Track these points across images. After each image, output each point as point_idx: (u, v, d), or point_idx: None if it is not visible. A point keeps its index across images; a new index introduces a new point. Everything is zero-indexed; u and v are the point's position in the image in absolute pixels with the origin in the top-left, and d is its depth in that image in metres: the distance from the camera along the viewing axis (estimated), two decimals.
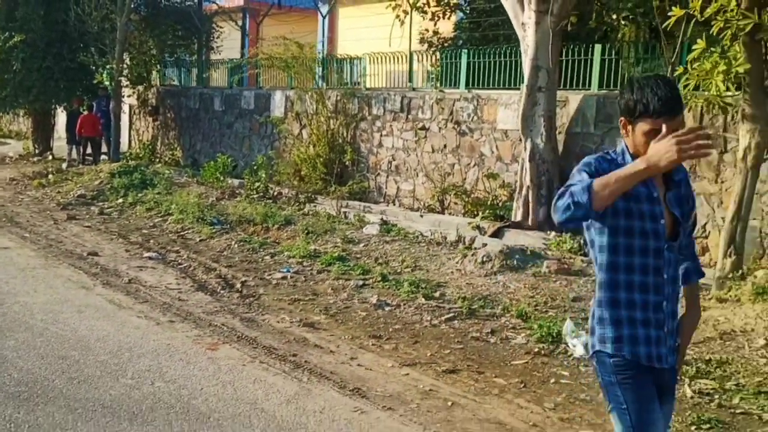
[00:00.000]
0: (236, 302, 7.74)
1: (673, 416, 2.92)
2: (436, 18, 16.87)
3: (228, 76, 19.71)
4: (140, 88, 21.53)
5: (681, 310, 3.04)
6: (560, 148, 11.56)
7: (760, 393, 5.36)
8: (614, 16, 11.92)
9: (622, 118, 2.83)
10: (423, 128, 13.85)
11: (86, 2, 18.08)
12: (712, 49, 7.22)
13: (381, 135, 14.81)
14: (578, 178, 2.76)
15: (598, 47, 11.41)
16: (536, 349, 6.41)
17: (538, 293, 7.86)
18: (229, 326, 6.83)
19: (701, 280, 3.23)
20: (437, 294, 7.91)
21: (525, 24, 11.15)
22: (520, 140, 11.45)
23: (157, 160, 20.30)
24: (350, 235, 10.71)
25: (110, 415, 4.73)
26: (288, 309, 7.52)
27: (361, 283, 8.41)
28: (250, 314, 7.30)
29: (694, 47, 7.28)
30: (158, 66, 21.62)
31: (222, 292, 8.14)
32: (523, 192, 11.40)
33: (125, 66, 19.97)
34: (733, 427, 4.91)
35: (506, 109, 12.36)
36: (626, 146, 2.86)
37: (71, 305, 7.22)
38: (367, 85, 15.49)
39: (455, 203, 12.98)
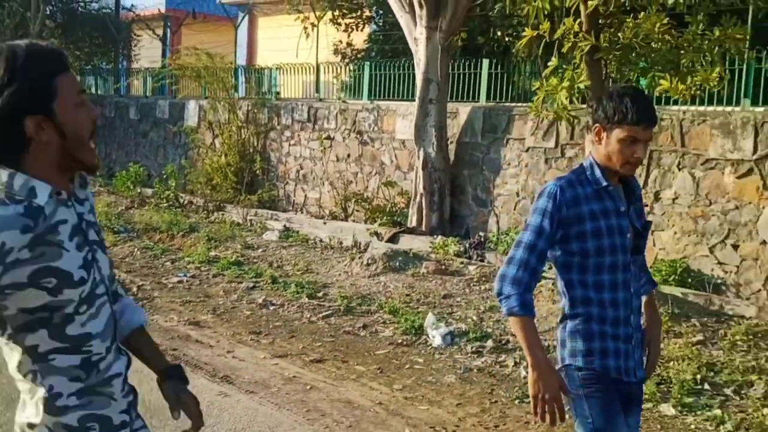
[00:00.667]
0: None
1: (640, 429, 3.07)
2: (350, 30, 17.53)
3: (143, 85, 19.96)
4: None
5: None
6: (452, 156, 12.28)
7: None
8: (499, 33, 12.74)
9: (598, 125, 2.87)
10: (328, 138, 14.44)
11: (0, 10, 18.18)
12: (565, 66, 8.00)
13: (289, 144, 15.34)
14: (528, 239, 2.83)
15: (486, 62, 12.19)
16: (400, 340, 7.05)
17: (413, 291, 8.51)
18: None
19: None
20: (320, 294, 8.50)
21: (417, 39, 11.86)
22: None
23: None
24: (250, 242, 11.22)
25: None
26: (178, 310, 7.99)
27: (252, 285, 8.94)
28: None
29: (549, 64, 8.05)
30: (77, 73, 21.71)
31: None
32: (417, 199, 12.08)
33: None
34: None
35: (404, 119, 13.03)
36: (594, 159, 2.90)
37: None
38: (281, 95, 16.02)
39: (357, 210, 13.59)
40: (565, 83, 7.47)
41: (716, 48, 6.81)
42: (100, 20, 21.40)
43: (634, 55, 7.38)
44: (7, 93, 1.82)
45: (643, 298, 3.06)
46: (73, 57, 21.19)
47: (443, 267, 9.33)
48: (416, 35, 11.84)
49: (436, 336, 6.98)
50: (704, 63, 7.28)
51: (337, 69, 15.71)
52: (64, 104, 1.88)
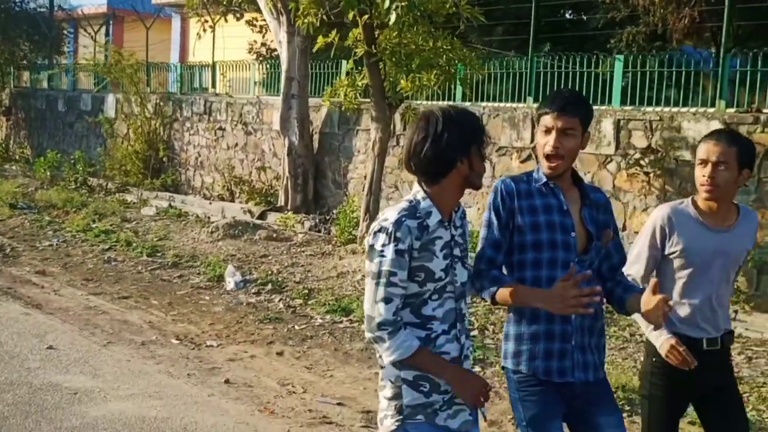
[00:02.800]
0: None
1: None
2: (264, 30, 19.17)
3: (68, 80, 21.56)
4: None
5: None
6: (316, 145, 14.04)
7: None
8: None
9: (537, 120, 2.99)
10: (220, 128, 16.17)
11: None
12: (360, 68, 9.80)
13: (189, 134, 17.05)
14: (484, 234, 2.89)
15: (344, 62, 13.96)
16: (202, 285, 8.80)
17: (239, 252, 10.27)
18: None
19: None
20: (159, 253, 10.23)
21: (281, 42, 13.61)
22: None
23: (10, 157, 21.97)
24: (129, 216, 12.93)
25: None
26: (34, 264, 9.68)
27: (108, 247, 10.65)
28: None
29: (347, 66, 9.84)
30: (10, 69, 23.24)
31: None
32: (284, 182, 13.82)
33: None
34: None
35: (278, 112, 14.76)
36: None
37: None
38: (208, 90, 17.68)
39: (241, 193, 15.32)
40: (345, 81, 9.26)
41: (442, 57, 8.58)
42: (33, 19, 22.88)
43: (399, 58, 9.16)
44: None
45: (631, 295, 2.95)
46: (10, 53, 22.72)
47: (274, 235, 11.10)
48: (280, 38, 13.58)
49: (230, 282, 8.73)
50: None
51: (243, 67, 17.41)
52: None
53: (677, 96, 9.91)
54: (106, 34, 28.92)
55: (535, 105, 11.23)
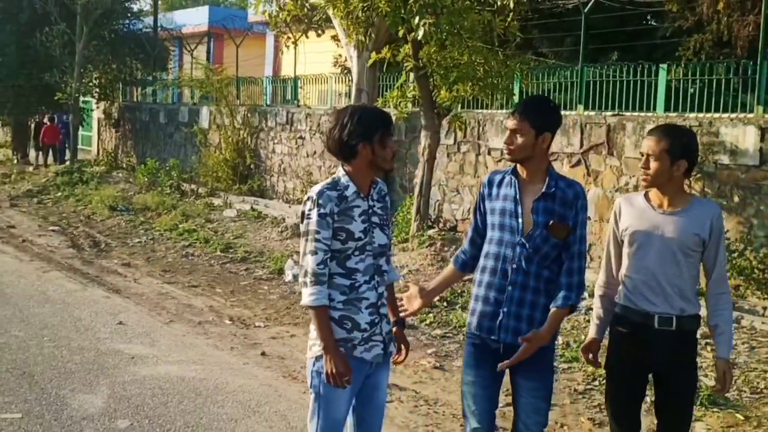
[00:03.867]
0: (91, 253, 11.14)
1: (549, 397, 3.47)
2: None
3: (170, 94, 23.26)
4: (105, 103, 25.17)
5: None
6: None
7: None
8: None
9: None
10: (300, 137, 17.27)
11: (48, 31, 21.66)
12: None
13: (273, 143, 18.24)
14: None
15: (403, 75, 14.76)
16: (264, 277, 9.76)
17: None
18: (70, 263, 10.24)
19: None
20: (231, 249, 11.28)
21: (351, 56, 14.53)
22: None
23: (118, 165, 23.86)
24: (212, 217, 14.13)
25: None
26: (122, 257, 10.90)
27: (188, 243, 11.80)
28: (92, 259, 10.70)
29: (400, 79, 10.65)
30: (119, 85, 25.22)
31: (87, 248, 11.54)
32: None
33: (89, 84, 23.59)
34: None
35: None
36: None
37: None
38: (301, 102, 18.88)
39: None
40: (395, 93, 10.06)
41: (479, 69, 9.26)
42: (139, 39, 24.77)
43: (444, 71, 9.89)
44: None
45: (552, 309, 3.34)
46: (119, 70, 24.67)
47: None
48: (350, 53, 14.51)
49: (289, 274, 9.65)
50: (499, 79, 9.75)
51: (322, 80, 18.50)
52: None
53: (717, 102, 10.22)
54: (207, 51, 30.84)
55: (586, 113, 11.74)
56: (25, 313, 7.47)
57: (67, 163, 22.08)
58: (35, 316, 7.38)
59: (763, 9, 9.98)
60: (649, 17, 18.28)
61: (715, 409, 5.50)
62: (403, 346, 3.52)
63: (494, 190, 3.48)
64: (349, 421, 3.41)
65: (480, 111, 13.25)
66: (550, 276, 3.40)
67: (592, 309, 3.85)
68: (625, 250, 3.58)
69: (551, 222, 3.34)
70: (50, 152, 22.84)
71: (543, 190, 3.37)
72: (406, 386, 5.99)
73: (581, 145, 11.37)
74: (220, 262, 10.61)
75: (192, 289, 9.14)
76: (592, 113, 11.60)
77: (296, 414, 5.10)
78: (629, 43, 16.40)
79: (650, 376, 3.61)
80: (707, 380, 5.91)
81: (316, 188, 3.25)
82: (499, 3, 10.29)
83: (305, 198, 3.27)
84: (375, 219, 3.31)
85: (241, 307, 8.32)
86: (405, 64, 9.94)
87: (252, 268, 10.28)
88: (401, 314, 3.56)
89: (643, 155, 3.51)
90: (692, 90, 10.81)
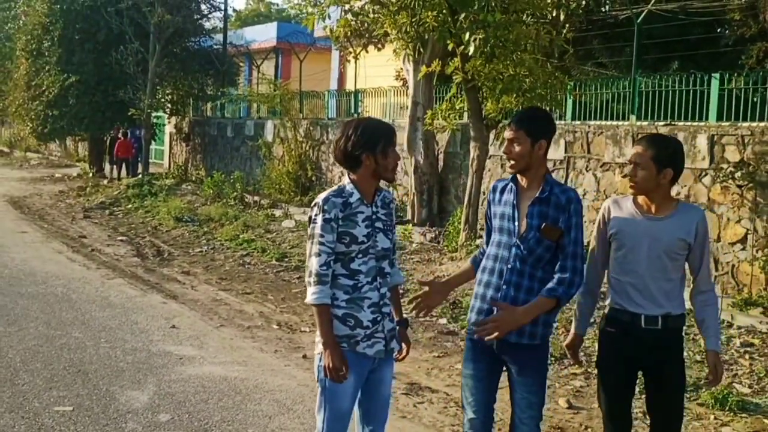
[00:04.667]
0: (154, 262, 11.67)
1: (543, 392, 3.64)
2: None
3: (237, 109, 23.98)
4: (176, 118, 26.11)
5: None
6: (441, 164, 15.10)
7: None
8: None
9: None
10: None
11: (123, 49, 22.64)
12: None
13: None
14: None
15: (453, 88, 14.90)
16: None
17: None
18: (133, 271, 10.76)
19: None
20: (286, 259, 11.65)
21: (408, 71, 14.81)
22: None
23: (187, 178, 24.70)
24: (271, 228, 14.57)
25: (33, 297, 8.66)
26: (183, 266, 11.38)
27: (246, 253, 12.23)
28: (154, 267, 11.21)
29: (451, 92, 10.86)
30: (190, 100, 26.12)
31: (150, 257, 12.08)
32: (411, 198, 14.97)
33: (161, 100, 24.55)
34: None
35: (405, 133, 15.97)
36: None
37: (41, 258, 11.32)
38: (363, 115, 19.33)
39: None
40: (444, 106, 10.27)
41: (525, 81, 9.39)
42: (208, 55, 25.62)
43: (492, 84, 10.04)
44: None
45: (539, 297, 3.52)
46: (189, 86, 25.55)
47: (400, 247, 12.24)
48: (407, 67, 14.79)
49: None
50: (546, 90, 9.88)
51: (381, 93, 18.86)
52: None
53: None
54: (276, 66, 31.62)
55: (638, 123, 11.71)
56: (86, 316, 7.94)
57: (140, 176, 22.96)
58: (95, 319, 7.84)
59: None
60: (716, 26, 18.01)
61: (743, 415, 5.52)
62: (404, 345, 3.73)
63: (497, 196, 3.72)
64: (357, 413, 3.63)
65: None
66: (543, 276, 3.57)
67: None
68: (612, 253, 3.74)
69: (543, 224, 3.53)
70: (123, 166, 23.82)
71: (537, 195, 3.57)
72: (438, 388, 6.17)
73: None
74: (274, 271, 10.97)
75: (245, 296, 9.51)
76: (645, 123, 11.56)
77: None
78: (691, 52, 16.21)
79: (640, 373, 3.77)
80: (740, 386, 5.92)
81: (323, 195, 3.49)
82: (549, 16, 10.45)
83: (312, 203, 3.52)
84: (378, 224, 3.53)
85: (290, 313, 8.64)
86: (454, 77, 10.14)
87: (304, 276, 10.57)
88: (420, 311, 3.79)
89: (630, 162, 3.66)
90: (755, 99, 10.70)
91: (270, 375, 6.28)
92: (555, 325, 3.74)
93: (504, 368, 3.70)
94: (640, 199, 3.69)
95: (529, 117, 3.71)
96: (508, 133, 3.61)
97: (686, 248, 3.62)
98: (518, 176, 3.65)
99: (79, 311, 8.15)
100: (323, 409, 3.51)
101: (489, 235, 3.79)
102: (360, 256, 3.46)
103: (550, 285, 3.53)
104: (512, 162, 3.61)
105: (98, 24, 23.79)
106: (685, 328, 3.83)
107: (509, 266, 3.56)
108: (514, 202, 3.61)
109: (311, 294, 3.42)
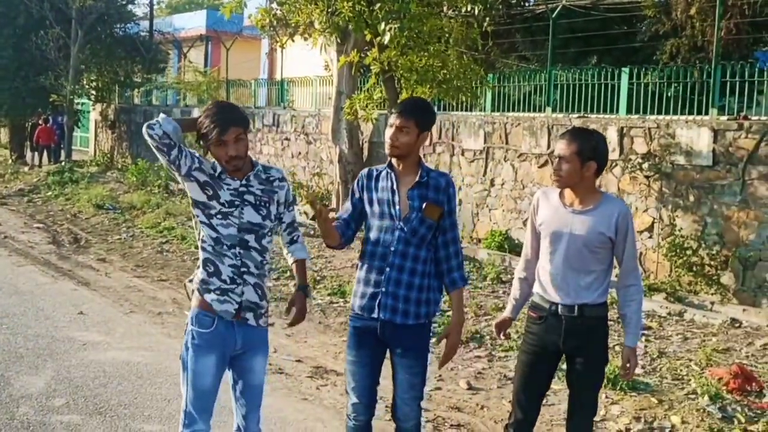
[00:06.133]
0: (69, 249, 11.46)
1: (424, 373, 3.69)
2: None
3: (161, 97, 23.65)
4: (102, 105, 25.58)
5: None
6: (366, 153, 15.19)
7: None
8: None
9: None
10: (286, 139, 17.58)
11: (44, 34, 22.06)
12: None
13: (261, 144, 18.56)
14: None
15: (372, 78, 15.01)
16: None
17: (276, 245, 11.46)
18: (46, 258, 10.56)
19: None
20: None
21: (332, 59, 14.83)
22: None
23: (113, 166, 24.24)
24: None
25: None
26: (99, 253, 11.21)
27: (165, 240, 12.11)
28: (69, 254, 11.01)
29: (369, 83, 10.94)
30: (115, 87, 25.62)
31: (66, 245, 11.86)
32: (335, 187, 15.02)
33: (84, 86, 24.00)
34: None
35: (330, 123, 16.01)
36: None
37: None
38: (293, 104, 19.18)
39: (300, 197, 16.64)
40: (362, 95, 10.35)
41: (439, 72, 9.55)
42: (134, 41, 25.15)
43: (411, 74, 10.17)
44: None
45: (452, 294, 3.74)
46: (114, 73, 25.05)
47: (312, 232, 12.28)
48: (331, 56, 14.81)
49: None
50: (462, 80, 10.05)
51: (307, 83, 18.83)
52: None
53: (675, 105, 10.49)
54: (205, 54, 31.22)
55: (554, 115, 12.00)
56: None
57: (62, 163, 22.46)
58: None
59: (716, 19, 10.25)
60: (634, 22, 18.52)
61: (633, 394, 5.76)
62: (294, 309, 3.71)
63: (372, 183, 3.74)
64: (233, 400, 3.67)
65: (454, 113, 13.54)
66: (426, 256, 3.68)
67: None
68: (541, 242, 3.86)
69: (425, 203, 3.63)
70: (45, 153, 23.24)
71: (417, 179, 3.67)
72: (343, 372, 6.24)
73: (549, 146, 11.61)
74: (192, 258, 10.88)
75: (160, 283, 9.43)
76: (560, 115, 11.86)
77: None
78: (609, 47, 16.65)
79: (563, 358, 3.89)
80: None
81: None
82: (463, 10, 10.62)
83: None
84: (249, 197, 3.46)
85: None
86: (372, 67, 10.22)
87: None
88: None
89: (555, 156, 3.74)
90: (668, 94, 11.09)
91: (174, 360, 6.20)
92: (441, 302, 3.81)
93: (386, 351, 3.77)
94: (566, 191, 3.77)
95: (419, 108, 3.74)
96: (397, 121, 3.63)
97: (607, 241, 3.68)
98: (394, 162, 3.71)
99: None
100: (185, 387, 3.53)
101: (349, 213, 3.78)
102: (220, 217, 3.42)
103: (455, 275, 3.72)
104: (394, 149, 3.65)
105: (17, 8, 23.13)
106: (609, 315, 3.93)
107: (392, 249, 3.62)
108: (394, 187, 3.67)
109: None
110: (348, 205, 3.83)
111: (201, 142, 3.45)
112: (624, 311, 3.80)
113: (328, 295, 8.82)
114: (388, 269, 3.63)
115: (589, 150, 3.67)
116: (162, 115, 3.43)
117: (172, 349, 6.60)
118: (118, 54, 24.85)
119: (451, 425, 5.23)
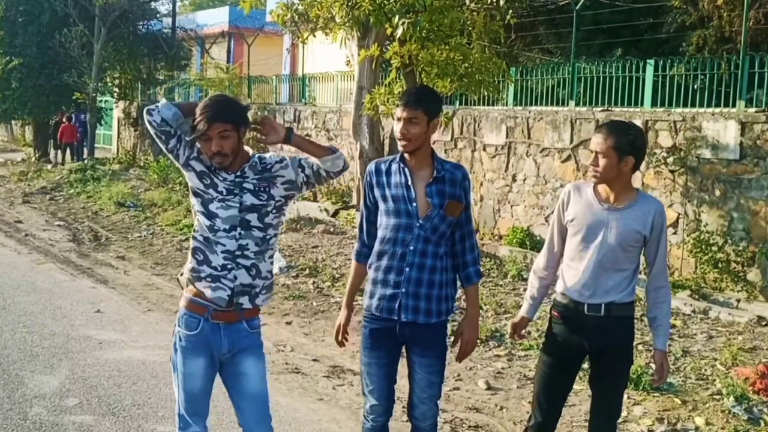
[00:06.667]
0: (89, 247, 11.46)
1: (443, 372, 3.61)
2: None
3: (185, 93, 23.68)
4: (125, 103, 25.69)
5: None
6: (387, 149, 15.06)
7: None
8: None
9: None
10: (307, 135, 17.50)
11: (67, 32, 22.18)
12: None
13: None
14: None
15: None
16: None
17: (294, 242, 11.43)
18: (66, 256, 10.56)
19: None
20: None
21: (353, 55, 14.72)
22: None
23: (136, 163, 24.33)
24: None
25: None
26: (119, 251, 11.20)
27: (185, 238, 12.06)
28: (89, 252, 11.01)
29: (389, 77, 10.81)
30: (138, 84, 25.73)
31: (86, 242, 11.87)
32: (356, 183, 14.92)
33: (106, 84, 24.11)
34: None
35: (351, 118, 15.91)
36: None
37: None
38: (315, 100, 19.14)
39: (322, 193, 16.57)
40: (382, 90, 10.23)
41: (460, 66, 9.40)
42: (157, 39, 25.24)
43: (432, 67, 10.02)
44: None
45: (467, 288, 3.65)
46: (137, 70, 25.17)
47: (331, 229, 12.19)
48: (352, 51, 14.70)
49: (276, 266, 9.83)
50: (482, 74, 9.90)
51: (329, 78, 18.76)
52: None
53: (701, 97, 10.25)
54: (228, 51, 31.25)
55: (577, 108, 11.80)
56: (8, 301, 7.77)
57: (84, 161, 22.58)
58: (17, 304, 7.67)
59: (744, 8, 10.00)
60: (660, 13, 18.21)
61: (656, 394, 5.60)
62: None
63: (384, 179, 3.57)
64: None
65: (476, 107, 13.37)
66: (444, 252, 3.56)
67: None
68: (567, 239, 3.71)
69: (448, 201, 3.49)
70: (68, 150, 23.39)
71: (434, 174, 3.52)
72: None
73: (571, 141, 11.44)
74: None
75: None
76: (583, 109, 11.66)
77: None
78: (635, 38, 16.38)
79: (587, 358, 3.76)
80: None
81: None
82: (486, 2, 10.46)
83: None
84: (247, 185, 3.35)
85: None
86: (392, 61, 10.10)
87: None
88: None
89: (592, 152, 3.60)
90: (694, 86, 10.85)
91: None
92: (458, 295, 3.69)
93: (402, 351, 3.66)
94: (600, 187, 3.64)
95: (426, 96, 3.58)
96: (404, 113, 3.46)
97: (641, 241, 3.58)
98: (407, 156, 3.55)
99: (1, 297, 7.96)
100: (177, 390, 3.41)
101: (371, 223, 3.66)
102: (219, 200, 3.31)
103: (471, 269, 3.61)
104: (406, 142, 3.48)
105: (42, 6, 23.30)
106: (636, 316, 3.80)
107: (411, 248, 3.49)
108: (409, 182, 3.51)
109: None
110: (364, 209, 3.69)
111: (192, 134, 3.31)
112: (654, 313, 3.66)
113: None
114: (407, 269, 3.50)
115: (627, 144, 3.53)
116: (162, 100, 3.35)
117: None
118: (140, 51, 24.97)
119: (469, 426, 5.10)
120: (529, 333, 4.20)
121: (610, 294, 3.60)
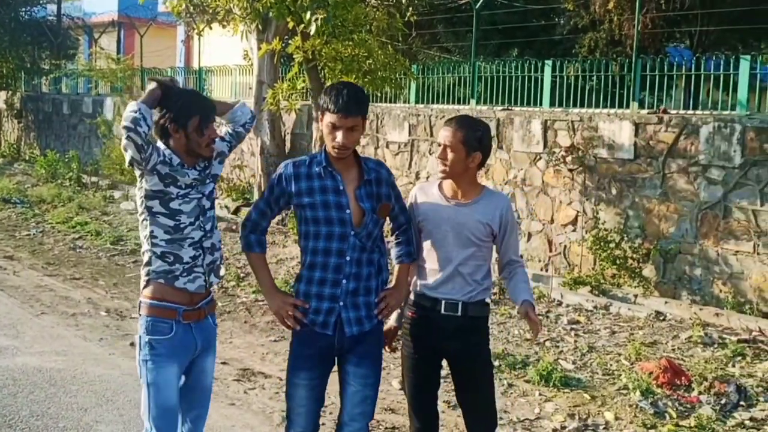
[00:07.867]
0: None
1: (377, 386, 3.48)
2: None
3: (71, 84, 22.70)
4: (7, 93, 24.36)
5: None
6: (288, 145, 14.89)
7: None
8: None
9: (319, 112, 3.36)
10: None
11: None
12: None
13: None
14: (257, 200, 3.74)
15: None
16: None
17: None
18: None
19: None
20: (122, 242, 11.12)
21: (252, 49, 14.46)
22: None
23: (21, 157, 23.15)
24: (108, 210, 13.88)
25: None
26: (6, 250, 10.60)
27: (78, 236, 11.56)
28: None
29: (291, 71, 10.68)
30: (21, 74, 24.45)
31: None
32: (257, 179, 14.68)
33: None
34: None
35: None
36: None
37: None
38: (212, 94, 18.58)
39: (221, 190, 16.22)
40: (284, 85, 10.09)
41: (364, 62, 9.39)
42: (41, 26, 24.06)
43: (336, 63, 9.96)
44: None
45: (397, 266, 3.58)
46: (19, 59, 23.91)
47: (233, 227, 11.95)
48: (251, 45, 14.44)
49: None
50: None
51: (226, 72, 18.36)
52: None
53: (597, 98, 10.61)
54: (117, 41, 30.12)
55: (478, 107, 11.98)
56: None
57: None
58: None
59: (636, 11, 10.41)
60: (553, 15, 18.76)
61: (566, 390, 5.73)
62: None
63: (303, 184, 3.34)
64: None
65: (378, 104, 13.37)
66: (378, 256, 3.45)
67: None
68: (421, 241, 3.64)
69: (380, 205, 3.38)
70: None
71: (364, 177, 3.38)
72: (272, 373, 6.04)
73: None
74: (108, 255, 10.44)
75: (74, 281, 8.97)
76: (484, 108, 11.84)
77: None
78: (530, 39, 16.82)
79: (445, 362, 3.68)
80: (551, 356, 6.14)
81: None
82: None
83: None
84: (204, 174, 3.40)
85: (121, 299, 8.22)
86: (295, 56, 9.97)
87: (141, 260, 10.12)
88: None
89: (440, 146, 3.54)
90: (588, 86, 11.19)
91: (91, 364, 5.93)
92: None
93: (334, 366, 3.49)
94: (446, 184, 3.60)
95: (361, 100, 3.33)
96: (345, 122, 3.22)
97: (490, 235, 3.56)
98: (332, 159, 3.34)
99: None
100: (149, 407, 3.28)
101: (265, 219, 3.48)
102: (180, 197, 3.29)
103: (404, 249, 3.57)
104: (346, 150, 3.27)
105: None
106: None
107: (348, 258, 3.32)
108: (340, 187, 3.32)
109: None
110: (262, 206, 3.47)
111: (158, 127, 3.28)
112: (512, 281, 3.64)
113: (253, 292, 8.54)
114: (345, 281, 3.33)
115: (476, 140, 3.50)
116: (132, 105, 3.14)
117: (87, 353, 6.26)
118: (23, 39, 23.76)
119: (386, 428, 5.08)
120: (396, 349, 3.99)
121: (466, 290, 3.55)
